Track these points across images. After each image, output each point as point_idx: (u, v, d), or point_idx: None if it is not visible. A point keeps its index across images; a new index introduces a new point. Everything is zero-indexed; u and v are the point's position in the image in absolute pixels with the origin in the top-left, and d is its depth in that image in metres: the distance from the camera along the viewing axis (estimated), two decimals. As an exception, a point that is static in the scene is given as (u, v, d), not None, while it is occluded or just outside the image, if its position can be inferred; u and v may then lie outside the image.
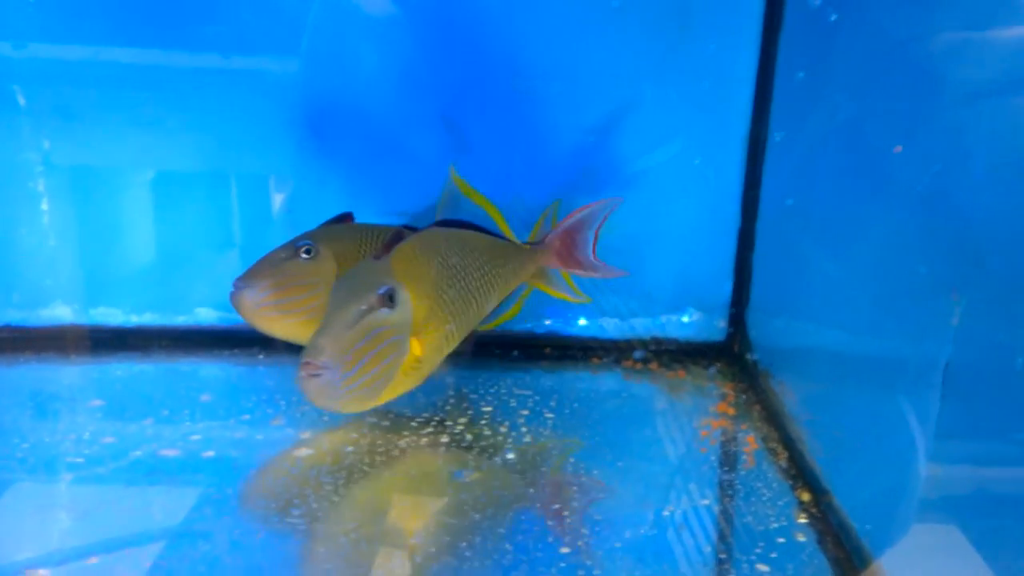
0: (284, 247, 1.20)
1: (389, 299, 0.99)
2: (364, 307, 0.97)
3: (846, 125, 1.09)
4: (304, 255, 1.18)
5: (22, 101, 1.32)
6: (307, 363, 0.94)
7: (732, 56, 1.34)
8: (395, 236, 1.07)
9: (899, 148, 0.78)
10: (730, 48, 1.34)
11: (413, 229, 1.16)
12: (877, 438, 0.93)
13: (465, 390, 1.27)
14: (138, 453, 1.05)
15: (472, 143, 1.38)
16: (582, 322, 1.45)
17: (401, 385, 1.04)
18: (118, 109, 1.33)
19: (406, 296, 1.02)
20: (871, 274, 0.99)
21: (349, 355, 0.94)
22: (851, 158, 1.07)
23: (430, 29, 1.34)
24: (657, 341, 1.46)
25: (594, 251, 1.27)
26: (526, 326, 1.45)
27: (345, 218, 1.31)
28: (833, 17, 1.13)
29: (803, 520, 0.98)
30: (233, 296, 1.15)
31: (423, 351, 1.04)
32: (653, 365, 1.41)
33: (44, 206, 1.36)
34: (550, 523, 0.95)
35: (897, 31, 0.97)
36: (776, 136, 1.33)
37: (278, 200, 1.38)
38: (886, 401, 0.91)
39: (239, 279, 1.16)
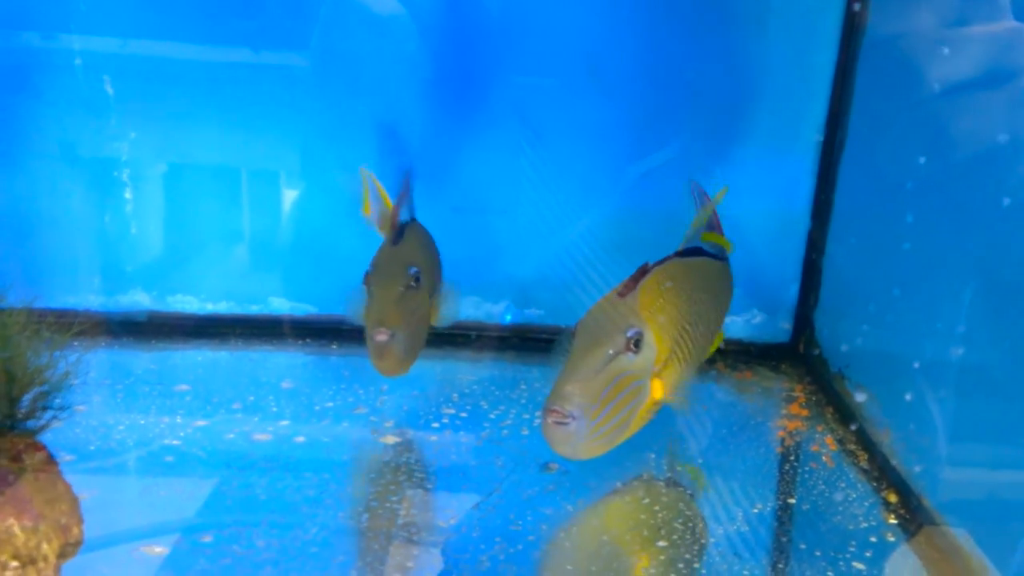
0: (415, 292, 1.12)
1: (635, 344, 0.92)
2: (611, 351, 0.91)
3: (927, 129, 1.09)
4: None
5: (110, 92, 1.35)
6: (554, 410, 0.88)
7: (809, 58, 1.34)
8: (640, 271, 0.99)
9: None
10: (807, 49, 1.34)
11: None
12: (972, 441, 0.93)
13: (534, 383, 1.29)
14: (231, 436, 1.08)
15: (545, 140, 1.39)
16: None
17: (636, 428, 0.98)
18: (206, 105, 1.36)
19: (651, 338, 0.95)
20: (957, 276, 0.99)
21: (596, 403, 0.89)
22: (933, 163, 1.07)
23: (503, 28, 1.36)
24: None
25: None
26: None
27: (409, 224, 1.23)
28: (918, 19, 1.13)
29: (892, 521, 0.98)
30: None
31: (662, 393, 0.97)
32: (719, 366, 1.42)
33: (128, 195, 1.39)
34: (642, 516, 0.97)
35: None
36: (853, 139, 1.33)
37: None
38: (980, 404, 0.92)
39: None
